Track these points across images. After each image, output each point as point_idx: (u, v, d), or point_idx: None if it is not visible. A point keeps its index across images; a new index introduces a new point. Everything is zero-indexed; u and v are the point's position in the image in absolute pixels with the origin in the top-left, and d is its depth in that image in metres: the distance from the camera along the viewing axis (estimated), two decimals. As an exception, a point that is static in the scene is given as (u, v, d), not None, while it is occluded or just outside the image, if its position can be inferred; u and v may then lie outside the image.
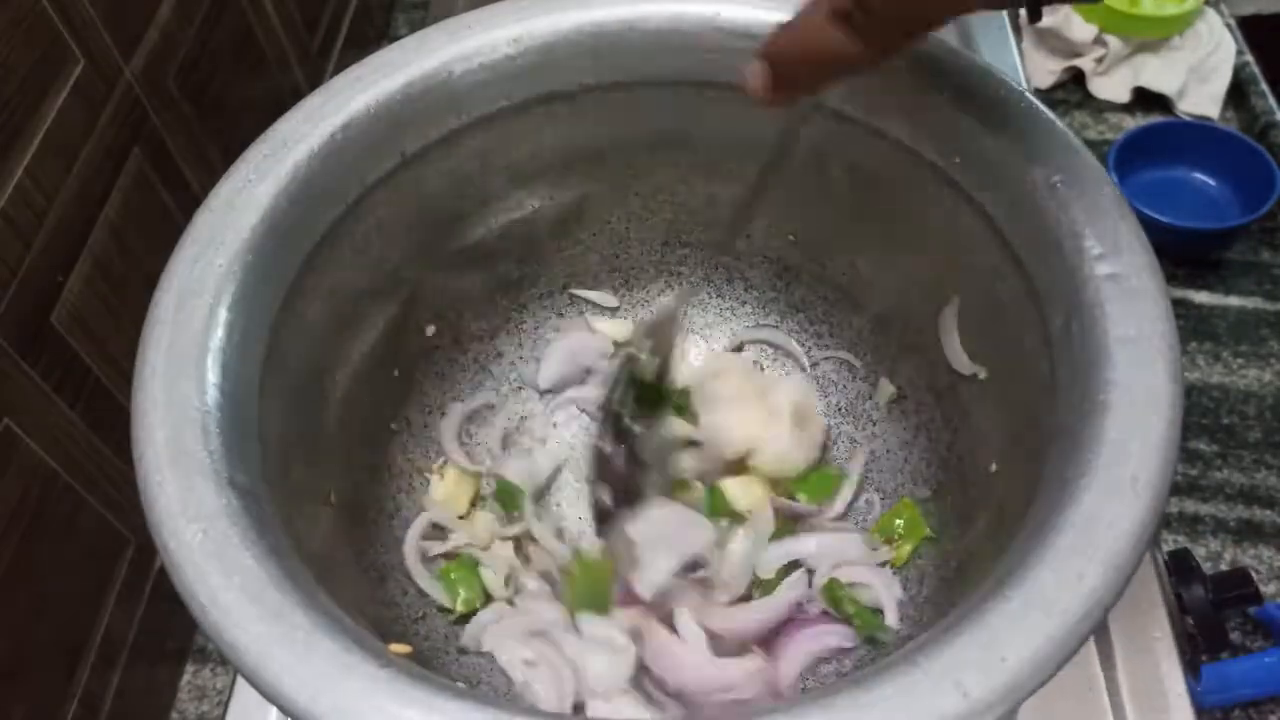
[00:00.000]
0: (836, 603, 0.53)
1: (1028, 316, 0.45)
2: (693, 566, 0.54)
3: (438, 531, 0.58)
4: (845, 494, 0.58)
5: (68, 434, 0.53)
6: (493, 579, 0.56)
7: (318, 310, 0.50)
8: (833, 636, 0.52)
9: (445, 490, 0.59)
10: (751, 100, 0.39)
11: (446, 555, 0.57)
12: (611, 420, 0.52)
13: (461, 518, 0.59)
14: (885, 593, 0.52)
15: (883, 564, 0.55)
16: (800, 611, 0.54)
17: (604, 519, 0.53)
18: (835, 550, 0.55)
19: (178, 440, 0.38)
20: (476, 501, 0.60)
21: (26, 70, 0.50)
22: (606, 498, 0.52)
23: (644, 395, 0.52)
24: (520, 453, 0.62)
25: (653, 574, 0.53)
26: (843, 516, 0.58)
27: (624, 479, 0.52)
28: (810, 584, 0.55)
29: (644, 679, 0.52)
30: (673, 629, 0.53)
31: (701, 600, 0.54)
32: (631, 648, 0.51)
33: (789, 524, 0.57)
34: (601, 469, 0.52)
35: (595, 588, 0.53)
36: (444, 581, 0.55)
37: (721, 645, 0.52)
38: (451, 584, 0.55)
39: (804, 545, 0.56)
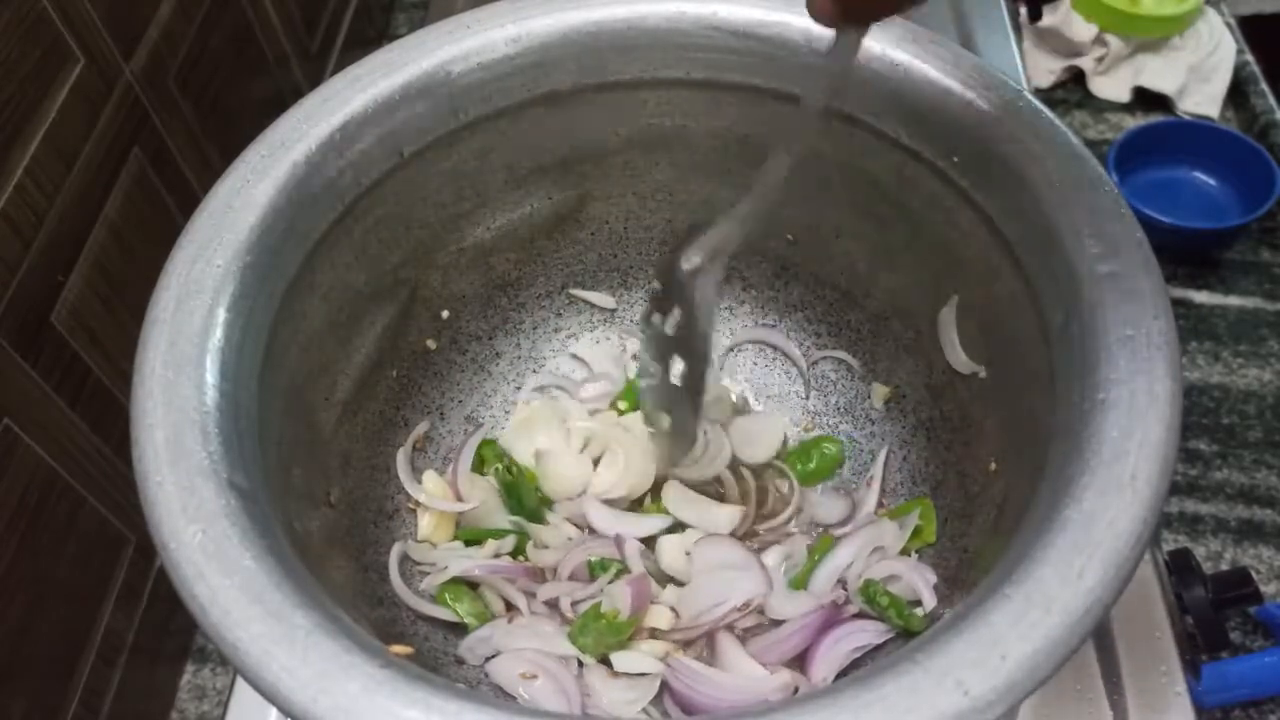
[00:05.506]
0: (871, 599, 0.52)
1: (1027, 316, 0.45)
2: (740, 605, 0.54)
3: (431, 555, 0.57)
4: (871, 499, 0.58)
5: (68, 434, 0.53)
6: (491, 599, 0.55)
7: (317, 310, 0.50)
8: (863, 634, 0.52)
9: (429, 524, 0.57)
10: (816, 18, 0.38)
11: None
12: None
13: (471, 543, 0.57)
14: (917, 578, 0.52)
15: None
16: (837, 613, 0.53)
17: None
18: (870, 541, 0.55)
19: (178, 440, 0.38)
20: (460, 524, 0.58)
21: (26, 70, 0.50)
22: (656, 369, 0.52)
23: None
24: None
25: (701, 612, 0.53)
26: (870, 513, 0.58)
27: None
28: (845, 588, 0.54)
29: (663, 697, 0.51)
30: (700, 655, 0.53)
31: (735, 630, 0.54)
32: (659, 679, 0.51)
33: (827, 539, 0.57)
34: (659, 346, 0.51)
35: (611, 639, 0.52)
36: (441, 604, 0.54)
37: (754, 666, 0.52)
38: (450, 604, 0.54)
39: (843, 556, 0.55)
